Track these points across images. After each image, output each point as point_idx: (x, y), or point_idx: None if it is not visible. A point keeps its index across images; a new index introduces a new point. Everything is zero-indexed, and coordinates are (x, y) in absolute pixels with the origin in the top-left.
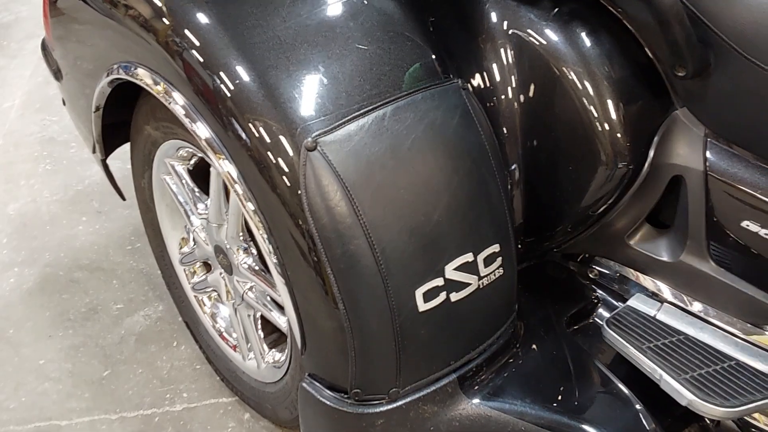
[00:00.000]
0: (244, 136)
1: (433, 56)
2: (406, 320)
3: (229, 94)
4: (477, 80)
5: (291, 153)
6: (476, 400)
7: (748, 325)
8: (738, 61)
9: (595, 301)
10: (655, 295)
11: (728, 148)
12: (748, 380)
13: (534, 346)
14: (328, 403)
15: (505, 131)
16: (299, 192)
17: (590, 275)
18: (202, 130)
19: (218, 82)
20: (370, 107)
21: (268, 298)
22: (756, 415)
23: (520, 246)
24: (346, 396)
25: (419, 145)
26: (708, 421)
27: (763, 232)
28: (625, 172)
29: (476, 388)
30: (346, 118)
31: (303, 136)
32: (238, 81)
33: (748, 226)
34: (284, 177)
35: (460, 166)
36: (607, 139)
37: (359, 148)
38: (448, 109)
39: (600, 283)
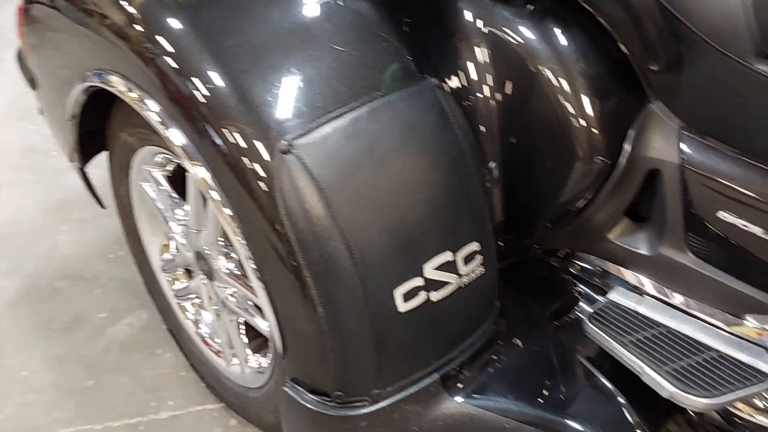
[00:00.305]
0: (218, 141)
1: (408, 56)
2: (386, 321)
3: (202, 100)
4: (453, 79)
5: (266, 157)
6: (460, 399)
7: (728, 315)
8: (710, 54)
9: (577, 296)
10: (636, 289)
11: (703, 141)
12: (729, 371)
13: (517, 343)
14: (310, 406)
15: (483, 129)
16: (275, 196)
17: (572, 270)
18: (176, 136)
19: (191, 87)
20: (346, 109)
21: (250, 303)
22: (739, 405)
23: (501, 243)
24: (328, 399)
25: (396, 145)
26: (692, 413)
27: (739, 222)
28: (602, 167)
29: (459, 386)
30: (322, 121)
31: (277, 140)
32: (210, 86)
33: (724, 217)
34: (260, 181)
35: (437, 166)
36: (583, 135)
37: (335, 150)
38: (424, 109)
39: (581, 278)
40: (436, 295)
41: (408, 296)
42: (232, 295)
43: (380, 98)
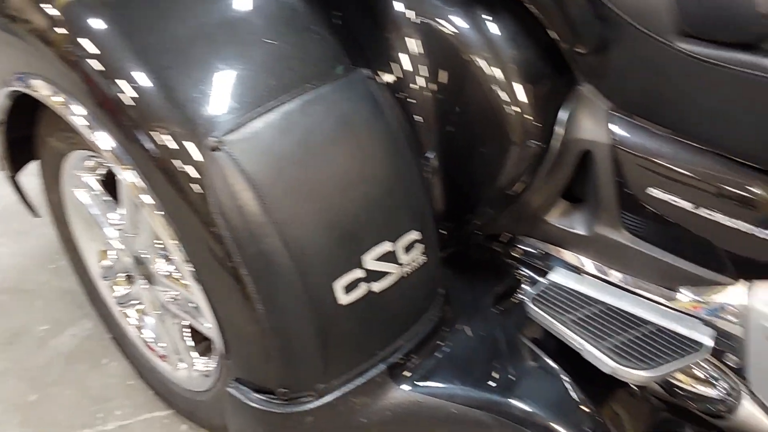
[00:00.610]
0: (146, 142)
1: (339, 48)
2: (328, 315)
3: (127, 101)
4: (388, 71)
5: (195, 155)
6: (407, 387)
7: (664, 289)
8: (633, 34)
9: (520, 279)
10: (575, 269)
11: (631, 120)
12: (667, 343)
13: (462, 329)
14: (255, 405)
15: (420, 120)
16: (207, 195)
17: (514, 254)
18: (104, 140)
19: (116, 89)
20: (277, 103)
21: (192, 305)
22: (679, 375)
23: (443, 232)
24: (273, 397)
25: (329, 138)
26: (634, 387)
27: (669, 198)
28: (537, 151)
29: (406, 375)
30: (252, 115)
31: (206, 137)
32: (135, 86)
33: (655, 194)
34: (191, 181)
35: (372, 157)
36: (516, 120)
37: (267, 144)
38: (357, 100)
39: (523, 261)
40: (377, 286)
41: (349, 288)
42: (173, 298)
43: (312, 91)
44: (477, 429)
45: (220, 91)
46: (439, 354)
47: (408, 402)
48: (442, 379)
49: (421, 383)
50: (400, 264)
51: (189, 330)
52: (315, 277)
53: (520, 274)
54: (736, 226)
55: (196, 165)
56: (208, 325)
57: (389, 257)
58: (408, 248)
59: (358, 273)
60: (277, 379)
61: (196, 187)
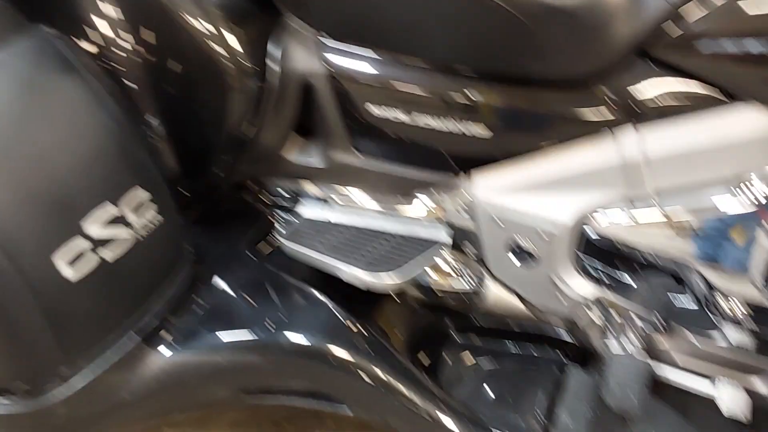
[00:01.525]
0: None
1: (17, 9)
2: (55, 292)
3: None
4: (91, 41)
5: None
6: (168, 351)
7: (402, 200)
8: None
9: (273, 221)
10: (321, 200)
11: (340, 46)
12: (410, 248)
13: (219, 281)
14: None
15: (134, 86)
16: None
17: (263, 199)
18: None
19: None
20: None
21: None
22: (434, 277)
23: (185, 191)
24: (15, 397)
25: (18, 105)
26: (395, 297)
27: (389, 114)
28: (256, 90)
29: (165, 338)
30: None
31: None
32: None
33: (375, 112)
34: None
35: (71, 120)
36: (228, 64)
37: None
38: (45, 62)
39: (273, 203)
40: (110, 254)
41: (75, 261)
42: None
43: None
44: (253, 373)
45: None
46: (198, 310)
47: (174, 365)
48: (205, 334)
49: (183, 343)
50: (132, 227)
51: None
52: (29, 256)
53: (272, 216)
54: (449, 129)
55: None
56: None
57: (117, 222)
58: (138, 210)
59: (81, 243)
60: (9, 374)
61: None
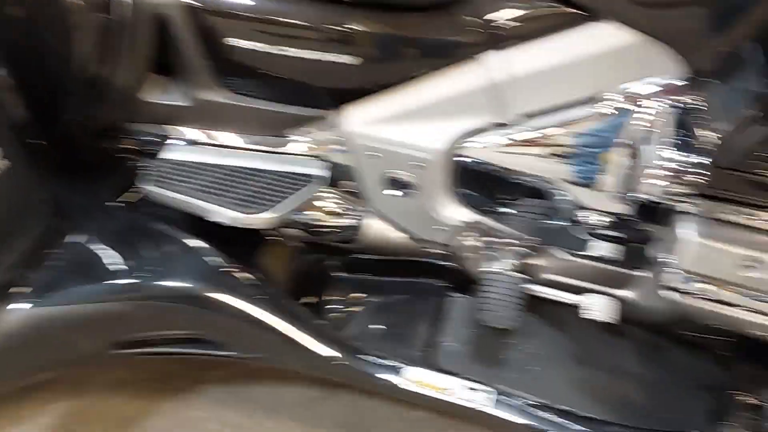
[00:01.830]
0: None
1: None
2: None
3: None
4: None
5: None
6: (27, 305)
7: (273, 137)
8: None
9: (137, 167)
10: (187, 141)
11: None
12: (285, 185)
13: (82, 233)
14: None
15: None
16: None
17: (126, 145)
18: None
19: None
20: None
21: None
22: (315, 214)
23: (42, 141)
24: None
25: None
26: (277, 237)
27: (252, 46)
28: (100, 23)
29: (25, 293)
30: None
31: None
32: None
33: (239, 45)
34: None
35: None
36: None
37: None
38: None
39: (137, 149)
40: None
41: None
42: None
43: None
44: (125, 323)
45: None
46: (58, 263)
47: (36, 319)
48: (69, 286)
49: (44, 296)
50: None
51: None
52: None
53: (136, 162)
54: (318, 59)
55: None
56: None
57: None
58: None
59: None
60: None
61: None
